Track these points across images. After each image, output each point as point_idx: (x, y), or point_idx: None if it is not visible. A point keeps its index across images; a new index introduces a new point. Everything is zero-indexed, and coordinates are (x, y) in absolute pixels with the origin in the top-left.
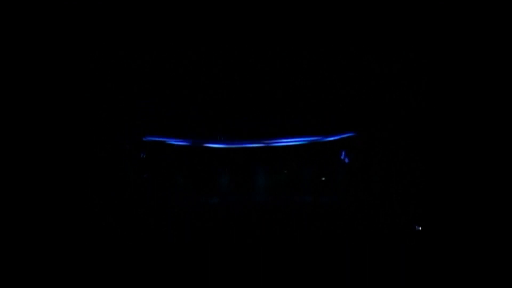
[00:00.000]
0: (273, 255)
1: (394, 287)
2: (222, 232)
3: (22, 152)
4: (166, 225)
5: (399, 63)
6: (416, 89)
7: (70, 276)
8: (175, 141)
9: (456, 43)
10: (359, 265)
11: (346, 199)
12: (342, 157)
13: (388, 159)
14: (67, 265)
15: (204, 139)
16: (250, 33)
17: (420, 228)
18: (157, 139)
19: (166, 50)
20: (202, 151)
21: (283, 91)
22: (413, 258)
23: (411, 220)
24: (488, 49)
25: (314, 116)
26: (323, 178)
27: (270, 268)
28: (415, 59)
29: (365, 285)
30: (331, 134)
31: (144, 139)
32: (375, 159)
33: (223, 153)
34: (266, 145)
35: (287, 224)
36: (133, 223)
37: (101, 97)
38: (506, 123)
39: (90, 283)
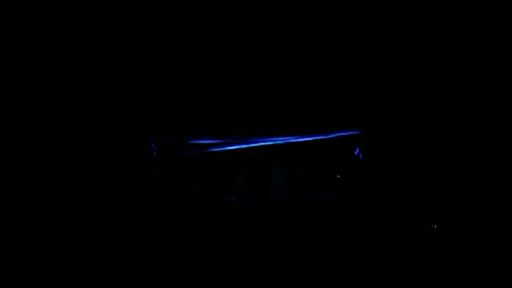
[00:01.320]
0: (289, 254)
1: (408, 284)
2: (237, 231)
3: (41, 150)
4: (180, 223)
5: (406, 62)
6: (425, 88)
7: (82, 272)
8: (190, 141)
9: (461, 43)
10: (375, 262)
11: (362, 197)
12: (356, 155)
13: (402, 157)
14: (81, 260)
15: (219, 139)
16: (262, 34)
17: (435, 226)
18: (171, 139)
19: (178, 51)
20: (217, 150)
21: (293, 91)
22: (428, 256)
23: (426, 218)
24: (490, 48)
25: (323, 115)
26: (338, 176)
27: (286, 266)
28: (421, 59)
29: (380, 282)
30: (340, 131)
31: (158, 139)
32: (389, 156)
33: (238, 152)
34: (274, 142)
35: (303, 223)
36: (146, 221)
37: (115, 98)
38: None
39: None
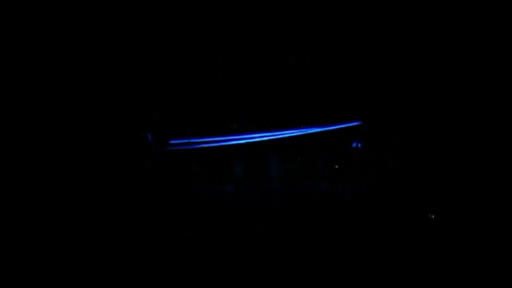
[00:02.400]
0: (287, 243)
1: (405, 274)
2: (236, 220)
3: (41, 148)
4: (181, 214)
5: (405, 56)
6: (424, 80)
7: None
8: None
9: (456, 37)
10: (372, 251)
11: (360, 186)
12: (354, 146)
13: (401, 147)
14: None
15: (219, 131)
16: (264, 30)
17: (433, 216)
18: (169, 134)
19: (178, 50)
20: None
21: (292, 84)
22: (425, 245)
23: (424, 208)
24: (485, 44)
25: (322, 106)
26: (336, 166)
27: (284, 255)
28: (420, 53)
29: (379, 272)
30: (339, 123)
31: (157, 134)
32: (387, 147)
33: (238, 143)
34: (276, 136)
35: (302, 212)
36: (147, 213)
37: (114, 95)
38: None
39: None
